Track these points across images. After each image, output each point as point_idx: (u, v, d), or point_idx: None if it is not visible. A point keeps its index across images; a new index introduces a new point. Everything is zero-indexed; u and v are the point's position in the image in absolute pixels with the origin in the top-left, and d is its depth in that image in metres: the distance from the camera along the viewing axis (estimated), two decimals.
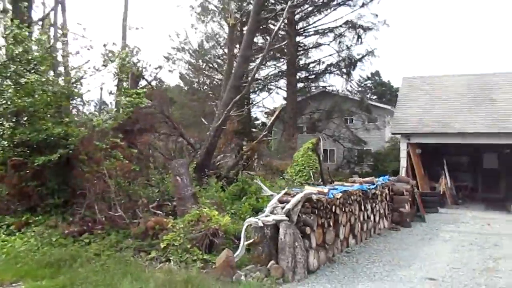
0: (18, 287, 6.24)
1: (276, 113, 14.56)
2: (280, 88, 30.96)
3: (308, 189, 8.43)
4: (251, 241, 7.14)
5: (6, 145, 8.66)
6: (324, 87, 31.43)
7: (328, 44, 29.08)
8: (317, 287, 6.37)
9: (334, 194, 8.41)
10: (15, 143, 8.79)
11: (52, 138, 8.61)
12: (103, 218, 8.39)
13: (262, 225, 6.99)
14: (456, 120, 16.81)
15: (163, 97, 14.49)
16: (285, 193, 7.95)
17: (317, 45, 29.91)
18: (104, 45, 9.68)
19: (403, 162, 17.57)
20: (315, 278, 6.85)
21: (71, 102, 9.51)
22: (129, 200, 8.89)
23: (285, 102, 28.70)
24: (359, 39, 28.37)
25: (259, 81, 30.51)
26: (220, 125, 13.31)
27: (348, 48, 28.77)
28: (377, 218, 10.90)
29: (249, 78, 14.17)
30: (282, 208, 7.31)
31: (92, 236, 8.07)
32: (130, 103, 8.82)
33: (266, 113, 36.17)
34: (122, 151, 9.34)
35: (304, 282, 6.60)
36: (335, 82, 54.46)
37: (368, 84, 55.99)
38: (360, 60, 29.26)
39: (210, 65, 31.41)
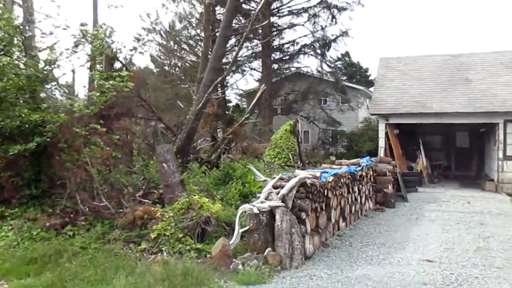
0: (1, 287, 5.81)
1: (258, 94, 14.20)
2: (254, 69, 30.52)
3: (301, 173, 8.27)
4: (246, 228, 6.91)
5: None
6: (298, 68, 31.22)
7: (303, 25, 28.78)
8: (317, 273, 6.23)
9: (326, 178, 8.28)
10: None
11: (27, 126, 8.03)
12: (86, 209, 7.95)
13: (257, 211, 6.78)
14: (433, 100, 17.00)
15: (139, 80, 13.85)
16: (279, 178, 7.74)
17: (291, 26, 29.55)
18: (82, 25, 9.03)
19: (382, 143, 17.71)
20: (313, 264, 6.73)
21: (46, 87, 8.88)
22: (112, 189, 8.44)
23: (260, 84, 28.34)
24: (334, 20, 28.17)
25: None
26: (201, 108, 12.88)
27: (322, 28, 28.57)
28: (363, 200, 10.90)
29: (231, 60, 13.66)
30: (277, 193, 7.12)
31: (76, 228, 7.63)
32: (114, 87, 8.30)
33: (240, 95, 35.80)
34: (101, 137, 8.84)
35: (303, 269, 6.46)
36: (309, 63, 54.33)
37: (339, 65, 56.18)
38: (334, 40, 29.12)
39: (183, 46, 30.58)
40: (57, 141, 8.02)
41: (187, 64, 31.15)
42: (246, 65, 31.62)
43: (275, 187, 7.39)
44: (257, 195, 7.58)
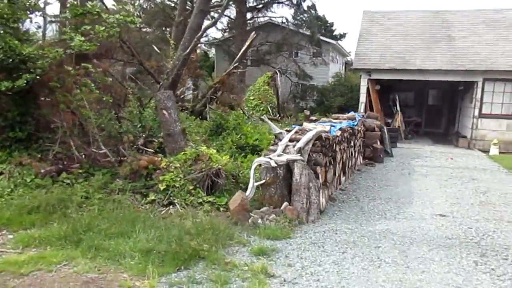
0: (4, 237, 5.29)
1: (248, 42, 13.54)
2: (228, 16, 29.27)
3: (310, 126, 8.02)
4: (262, 181, 6.64)
5: None
6: (271, 18, 30.24)
7: None
8: (337, 227, 6.13)
9: (335, 131, 8.09)
10: None
11: (12, 60, 7.13)
12: (83, 156, 7.35)
13: (275, 165, 6.50)
14: (416, 57, 16.99)
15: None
16: (288, 130, 7.46)
17: None
18: None
19: (363, 98, 17.69)
20: (329, 218, 6.63)
21: (29, 16, 7.85)
22: (109, 136, 7.83)
23: (234, 31, 27.32)
24: None
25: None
26: (189, 54, 12.15)
27: None
28: (355, 155, 10.89)
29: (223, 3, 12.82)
30: (293, 146, 6.85)
31: (72, 176, 7.05)
32: (118, 22, 7.42)
33: (209, 43, 34.42)
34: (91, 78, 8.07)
35: (321, 223, 6.35)
36: (283, 14, 52.67)
37: (304, 18, 55.09)
38: None
39: None
40: (47, 80, 7.20)
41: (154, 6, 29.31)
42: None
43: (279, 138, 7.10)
44: (270, 147, 7.26)
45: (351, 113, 11.69)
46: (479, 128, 16.24)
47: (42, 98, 8.06)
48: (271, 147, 7.24)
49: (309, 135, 6.93)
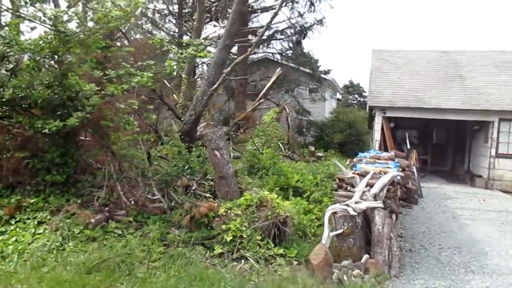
0: None
1: (274, 78, 13.20)
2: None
3: (371, 168, 7.55)
4: (339, 231, 6.05)
5: None
6: (268, 53, 30.34)
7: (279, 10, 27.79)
8: (430, 285, 5.55)
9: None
10: (3, 99, 6.43)
11: (64, 97, 6.46)
12: (132, 202, 6.63)
13: (354, 213, 5.95)
14: (430, 95, 16.95)
15: (140, 49, 12.26)
16: (358, 174, 6.96)
17: (267, 9, 28.54)
18: None
19: (377, 136, 17.44)
20: (411, 272, 6.06)
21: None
22: (154, 179, 7.13)
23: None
24: (312, 7, 27.60)
25: (206, 41, 28.41)
26: (215, 89, 11.68)
27: (300, 15, 27.89)
28: None
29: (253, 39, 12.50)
30: (369, 191, 6.34)
31: (122, 225, 6.33)
32: (190, 56, 6.76)
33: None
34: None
35: (408, 278, 5.78)
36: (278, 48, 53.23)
37: (289, 54, 55.89)
38: (309, 28, 28.62)
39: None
40: (96, 118, 6.55)
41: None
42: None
43: (349, 184, 6.60)
44: (339, 192, 6.72)
45: (392, 153, 11.29)
46: (497, 168, 16.08)
47: (82, 138, 7.39)
48: (340, 192, 6.71)
49: (383, 180, 6.46)
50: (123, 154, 6.98)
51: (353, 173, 7.15)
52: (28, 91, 6.44)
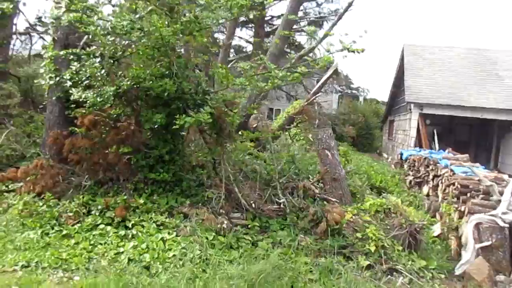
0: None
1: (331, 71, 12.69)
2: (248, 42, 28.68)
3: (481, 173, 7.21)
4: (487, 243, 5.69)
5: (111, 93, 5.58)
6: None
7: None
8: None
9: None
10: (119, 91, 5.77)
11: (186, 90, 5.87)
12: (252, 205, 6.12)
13: (505, 224, 5.60)
14: (469, 93, 16.77)
15: None
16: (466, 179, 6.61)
17: None
18: None
19: (413, 133, 17.22)
20: None
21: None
22: (270, 179, 6.63)
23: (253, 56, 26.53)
24: None
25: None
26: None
27: (318, 5, 27.39)
28: None
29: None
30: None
31: (249, 230, 5.84)
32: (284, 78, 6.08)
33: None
34: None
35: None
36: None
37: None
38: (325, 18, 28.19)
39: None
40: (223, 115, 5.97)
41: None
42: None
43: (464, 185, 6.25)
44: (474, 200, 6.36)
45: (465, 155, 10.97)
46: None
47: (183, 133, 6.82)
48: (474, 200, 6.34)
49: None
50: (238, 154, 6.44)
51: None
52: (142, 82, 5.83)
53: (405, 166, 14.09)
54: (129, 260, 4.92)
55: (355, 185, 7.63)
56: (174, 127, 5.57)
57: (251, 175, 6.77)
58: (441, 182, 8.85)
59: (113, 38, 5.58)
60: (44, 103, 8.91)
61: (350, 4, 11.93)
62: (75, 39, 7.12)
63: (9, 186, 6.66)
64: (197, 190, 6.53)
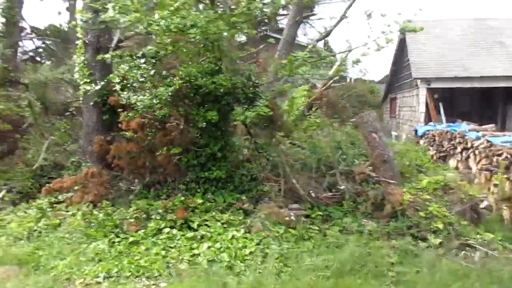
0: None
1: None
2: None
3: None
4: None
5: (169, 93, 5.42)
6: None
7: None
8: None
9: None
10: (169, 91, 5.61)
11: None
12: (312, 194, 6.07)
13: None
14: (475, 64, 16.82)
15: None
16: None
17: None
18: None
19: (422, 108, 17.30)
20: None
21: None
22: (324, 165, 6.55)
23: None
24: None
25: None
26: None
27: None
28: None
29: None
30: None
31: (315, 219, 5.81)
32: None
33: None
34: None
35: None
36: None
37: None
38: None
39: None
40: (275, 107, 5.88)
41: None
42: None
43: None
44: None
45: (491, 125, 11.02)
46: None
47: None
48: None
49: None
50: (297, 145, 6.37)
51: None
52: (194, 80, 5.69)
53: (421, 142, 14.17)
54: (208, 261, 4.85)
55: (402, 164, 7.62)
56: (227, 122, 5.48)
57: (302, 165, 6.71)
58: (474, 154, 8.87)
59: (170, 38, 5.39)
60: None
61: None
62: (106, 41, 6.96)
63: (58, 197, 6.50)
64: (250, 185, 6.46)
